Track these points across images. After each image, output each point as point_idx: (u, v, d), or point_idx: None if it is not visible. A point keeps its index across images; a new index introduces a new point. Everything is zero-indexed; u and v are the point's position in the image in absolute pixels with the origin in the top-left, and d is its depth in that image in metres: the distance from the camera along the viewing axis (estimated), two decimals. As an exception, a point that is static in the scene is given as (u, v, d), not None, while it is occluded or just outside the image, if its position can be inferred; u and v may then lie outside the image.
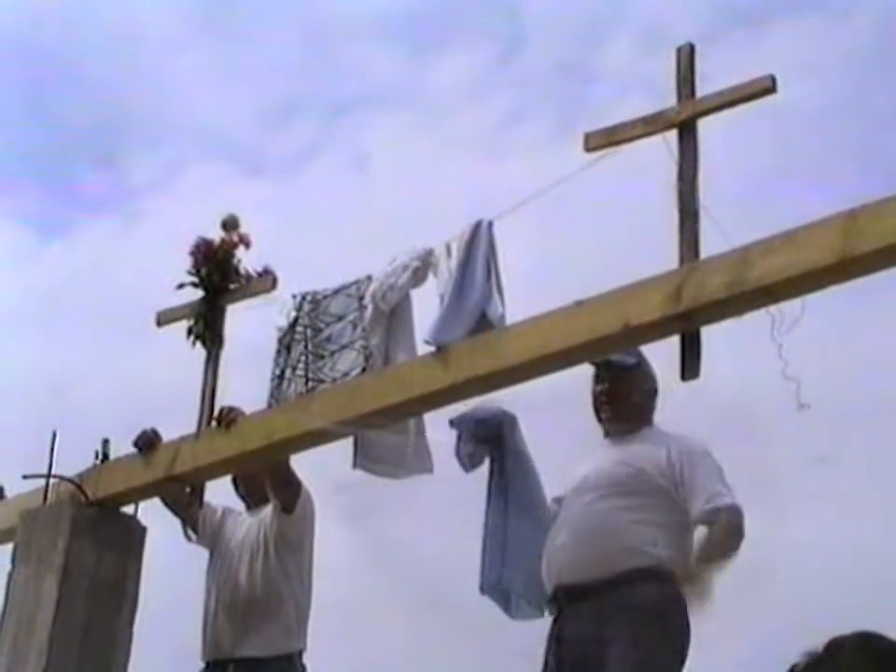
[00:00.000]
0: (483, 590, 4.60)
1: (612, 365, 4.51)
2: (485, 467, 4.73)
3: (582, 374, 4.52)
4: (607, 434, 4.63)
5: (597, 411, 4.62)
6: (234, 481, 5.31)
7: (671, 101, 3.99)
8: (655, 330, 3.84)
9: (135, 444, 4.89)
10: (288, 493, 5.00)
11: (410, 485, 4.72)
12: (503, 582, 4.59)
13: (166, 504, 5.17)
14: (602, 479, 4.43)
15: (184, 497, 5.09)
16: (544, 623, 4.50)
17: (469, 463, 4.66)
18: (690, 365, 3.81)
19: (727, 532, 4.27)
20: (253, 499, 5.27)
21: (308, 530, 5.10)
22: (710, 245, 3.77)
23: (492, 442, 4.67)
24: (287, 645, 5.00)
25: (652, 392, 4.62)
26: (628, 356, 4.48)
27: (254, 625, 4.97)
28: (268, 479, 5.04)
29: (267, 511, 5.10)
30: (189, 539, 5.25)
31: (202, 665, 5.11)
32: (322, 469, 5.05)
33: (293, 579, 5.04)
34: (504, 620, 4.66)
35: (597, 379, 4.59)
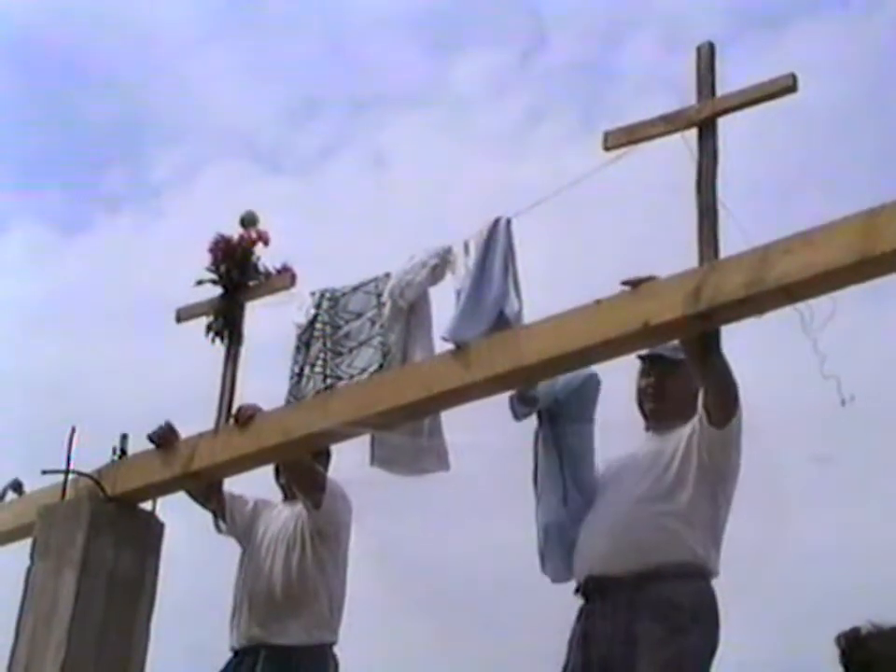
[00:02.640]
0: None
1: (661, 359, 4.41)
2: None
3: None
4: (648, 427, 4.55)
5: (641, 404, 4.53)
6: (276, 468, 5.31)
7: (692, 100, 3.99)
8: (675, 330, 3.83)
9: (150, 438, 4.90)
10: (311, 489, 5.01)
11: (413, 485, 4.71)
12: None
13: (194, 498, 5.19)
14: (640, 471, 4.35)
15: (203, 492, 5.12)
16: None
17: (520, 414, 4.49)
18: (709, 364, 3.81)
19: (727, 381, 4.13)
20: (291, 490, 5.28)
21: (341, 523, 5.12)
22: (730, 244, 3.76)
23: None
24: (320, 636, 5.04)
25: (696, 392, 4.44)
26: (677, 351, 4.34)
27: (288, 615, 5.01)
28: (290, 476, 5.05)
29: (299, 504, 5.12)
30: (219, 530, 5.29)
31: (228, 655, 5.16)
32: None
33: (328, 571, 5.07)
34: (504, 621, 4.60)
35: (644, 372, 4.49)
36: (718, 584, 4.22)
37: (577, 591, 4.39)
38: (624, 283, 3.90)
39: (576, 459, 4.51)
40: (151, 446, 4.91)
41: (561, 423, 4.55)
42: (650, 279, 3.89)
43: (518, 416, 4.51)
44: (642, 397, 4.52)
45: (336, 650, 5.10)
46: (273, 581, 5.05)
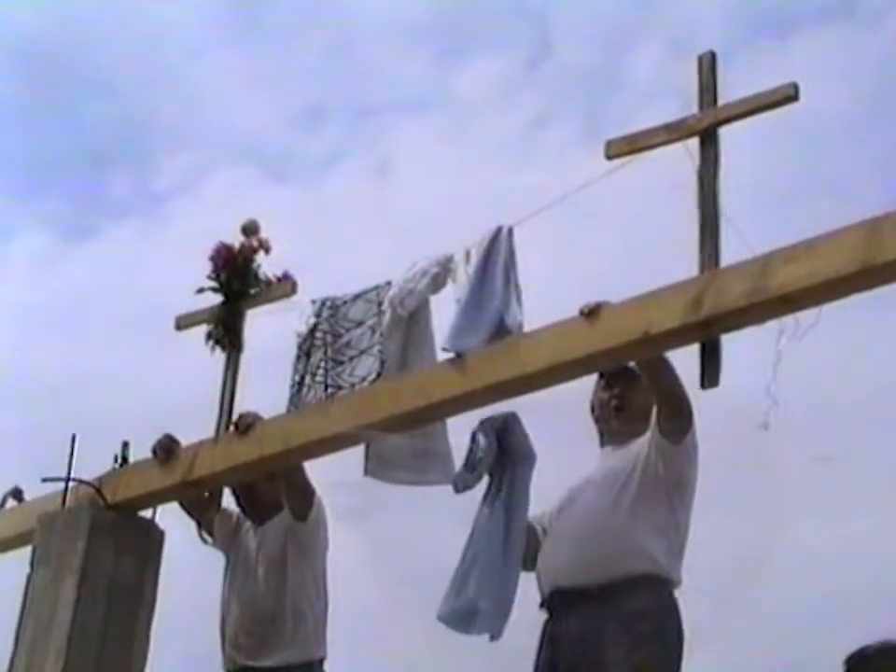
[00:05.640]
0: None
1: (626, 372, 4.45)
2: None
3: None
4: (604, 443, 4.58)
5: (603, 418, 4.56)
6: (235, 495, 5.21)
7: (696, 108, 3.98)
8: (675, 338, 3.82)
9: (154, 451, 4.88)
10: (303, 500, 4.98)
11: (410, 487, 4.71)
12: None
13: (183, 506, 5.17)
14: (600, 486, 4.39)
15: (202, 501, 5.10)
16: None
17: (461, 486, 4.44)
18: (709, 373, 3.79)
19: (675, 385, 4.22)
20: (256, 513, 5.20)
21: (322, 537, 5.10)
22: (731, 252, 3.76)
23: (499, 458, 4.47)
24: (307, 653, 5.00)
25: (652, 407, 4.53)
26: (636, 364, 4.42)
27: (274, 635, 4.97)
28: (282, 486, 5.02)
29: (276, 521, 5.09)
30: (204, 541, 5.26)
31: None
32: (319, 469, 5.04)
33: (309, 587, 5.04)
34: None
35: (606, 386, 4.54)
36: (712, 589, 4.25)
37: (542, 605, 4.42)
38: (582, 312, 3.94)
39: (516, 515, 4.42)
40: (152, 454, 4.90)
41: (508, 468, 4.46)
42: (602, 305, 3.92)
43: (459, 488, 4.43)
44: (604, 411, 4.54)
45: (325, 665, 5.05)
46: (256, 602, 5.01)
